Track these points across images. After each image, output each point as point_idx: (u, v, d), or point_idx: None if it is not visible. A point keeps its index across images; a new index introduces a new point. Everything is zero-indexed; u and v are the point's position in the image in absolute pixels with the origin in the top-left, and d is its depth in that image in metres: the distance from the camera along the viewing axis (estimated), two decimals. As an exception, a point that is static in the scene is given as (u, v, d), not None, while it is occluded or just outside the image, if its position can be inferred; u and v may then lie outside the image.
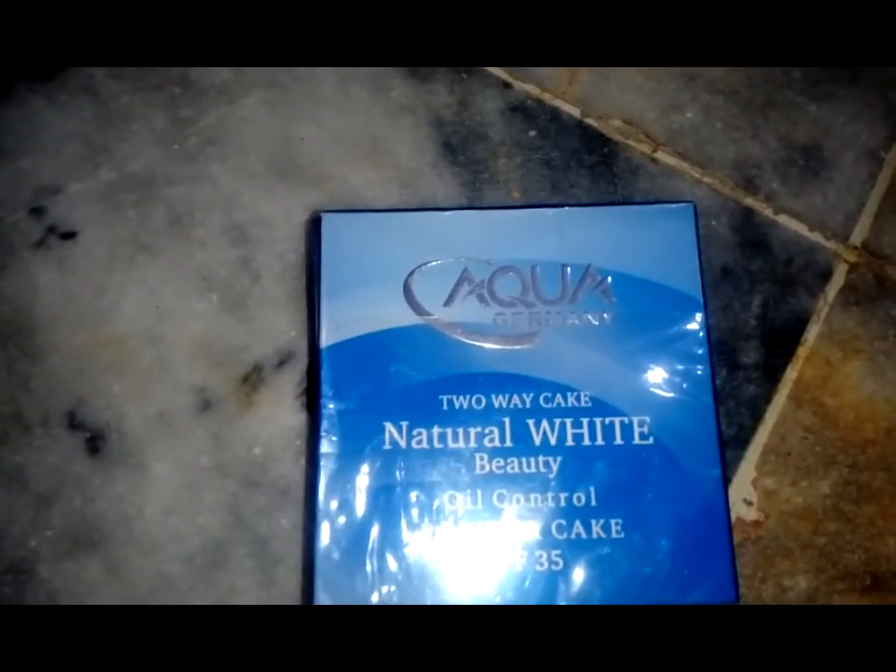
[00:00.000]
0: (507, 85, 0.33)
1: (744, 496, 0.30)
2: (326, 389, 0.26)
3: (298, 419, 0.29)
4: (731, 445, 0.30)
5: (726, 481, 0.26)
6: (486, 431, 0.26)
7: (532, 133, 0.33)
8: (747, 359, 0.31)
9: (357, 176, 0.32)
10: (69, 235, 0.31)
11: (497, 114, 0.33)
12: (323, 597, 0.25)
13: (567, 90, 0.33)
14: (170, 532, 0.28)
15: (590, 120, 0.33)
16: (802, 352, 0.31)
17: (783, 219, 0.32)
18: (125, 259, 0.31)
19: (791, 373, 0.31)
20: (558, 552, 0.25)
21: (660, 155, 0.33)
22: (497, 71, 0.33)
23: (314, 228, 0.27)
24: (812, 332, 0.31)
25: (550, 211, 0.28)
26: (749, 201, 0.33)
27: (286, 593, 0.28)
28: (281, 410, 0.30)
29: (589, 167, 0.33)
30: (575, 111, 0.33)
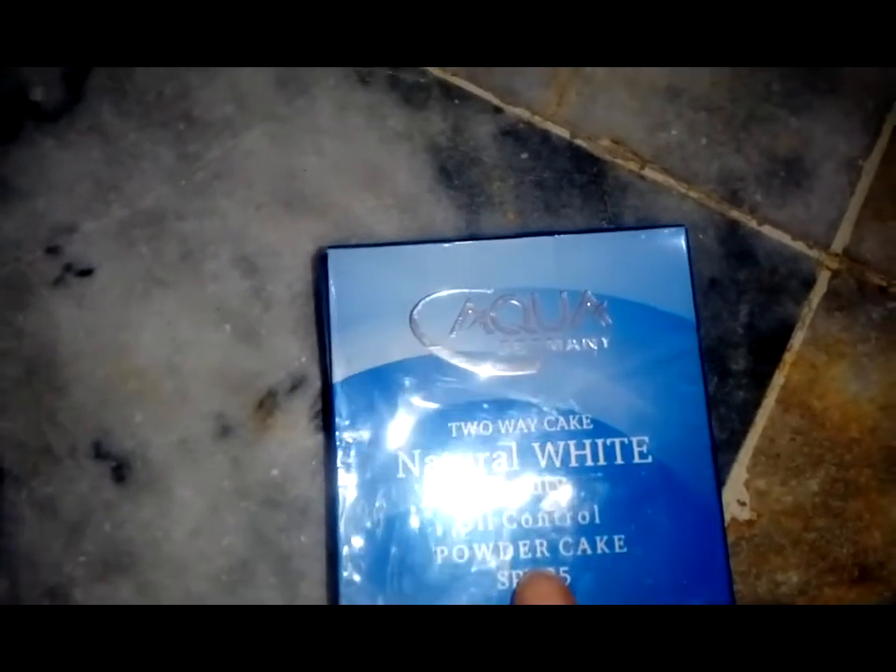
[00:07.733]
0: (498, 110, 0.35)
1: (737, 496, 0.31)
2: (340, 422, 0.27)
3: (312, 441, 0.31)
4: (723, 449, 0.31)
5: (720, 491, 0.28)
6: (494, 456, 0.27)
7: (524, 156, 0.34)
8: (736, 366, 0.32)
9: (359, 204, 0.33)
10: (86, 272, 0.32)
11: (490, 138, 0.34)
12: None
13: (556, 111, 0.35)
14: (196, 553, 0.30)
15: (579, 141, 0.34)
16: (788, 357, 0.33)
17: (767, 230, 0.34)
18: (141, 294, 0.32)
19: (778, 378, 0.32)
20: (566, 568, 0.26)
21: (647, 172, 0.34)
22: (488, 96, 0.35)
23: (320, 263, 0.28)
24: (798, 338, 0.33)
25: (548, 239, 0.29)
26: (734, 213, 0.34)
27: (310, 607, 0.30)
28: (296, 432, 0.31)
29: (580, 186, 0.34)
30: (565, 132, 0.35)
